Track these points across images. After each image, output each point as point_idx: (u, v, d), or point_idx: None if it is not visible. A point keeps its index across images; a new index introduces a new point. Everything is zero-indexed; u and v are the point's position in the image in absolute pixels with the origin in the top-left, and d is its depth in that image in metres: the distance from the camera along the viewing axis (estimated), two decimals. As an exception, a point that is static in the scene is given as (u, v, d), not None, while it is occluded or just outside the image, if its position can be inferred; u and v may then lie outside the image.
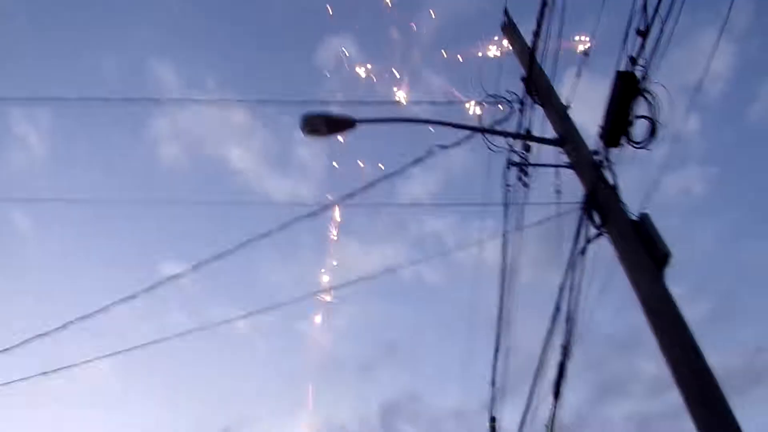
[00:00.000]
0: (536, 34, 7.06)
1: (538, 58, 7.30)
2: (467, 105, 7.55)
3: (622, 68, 5.28)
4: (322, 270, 12.45)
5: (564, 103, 6.88)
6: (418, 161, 7.04)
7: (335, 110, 7.32)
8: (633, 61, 5.19)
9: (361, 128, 7.11)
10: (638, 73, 5.25)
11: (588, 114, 6.78)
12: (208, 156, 33.14)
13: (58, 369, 7.64)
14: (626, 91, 5.30)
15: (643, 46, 5.07)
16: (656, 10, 4.92)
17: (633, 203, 5.89)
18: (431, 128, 7.08)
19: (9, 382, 7.48)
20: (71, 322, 7.15)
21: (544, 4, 6.75)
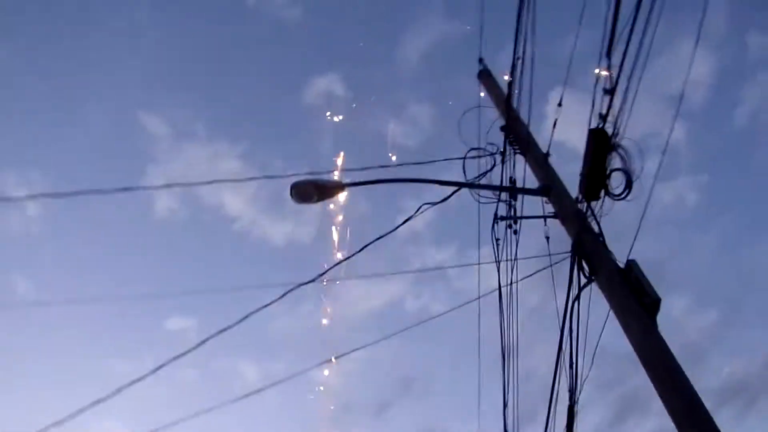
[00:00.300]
0: (510, 85, 7.30)
1: (516, 106, 7.53)
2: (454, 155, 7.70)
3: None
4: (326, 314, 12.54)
5: (543, 151, 7.07)
6: (408, 220, 7.19)
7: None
8: (603, 118, 5.38)
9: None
10: (609, 130, 5.43)
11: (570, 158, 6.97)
12: (204, 205, 33.30)
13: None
14: (599, 147, 5.48)
15: (610, 105, 5.26)
16: (620, 69, 5.14)
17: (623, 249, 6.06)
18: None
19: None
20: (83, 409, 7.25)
21: (515, 58, 6.98)
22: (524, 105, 7.33)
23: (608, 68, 5.18)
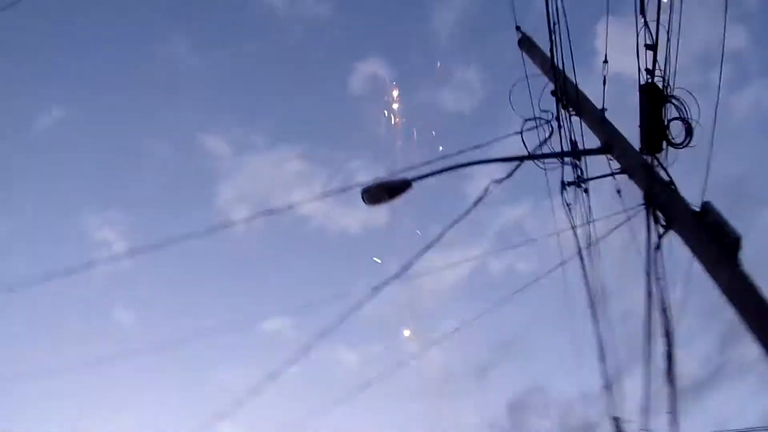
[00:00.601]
0: (551, 50, 7.33)
1: (562, 68, 7.55)
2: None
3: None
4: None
5: (599, 108, 7.10)
6: (478, 201, 7.36)
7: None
8: (650, 73, 5.43)
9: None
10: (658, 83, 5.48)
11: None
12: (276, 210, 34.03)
13: None
14: (652, 101, 5.53)
15: (655, 59, 5.31)
16: (657, 26, 5.17)
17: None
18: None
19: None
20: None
21: (551, 23, 7.01)
22: (572, 64, 7.35)
23: (645, 24, 5.22)
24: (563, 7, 6.82)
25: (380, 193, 7.52)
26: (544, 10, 6.77)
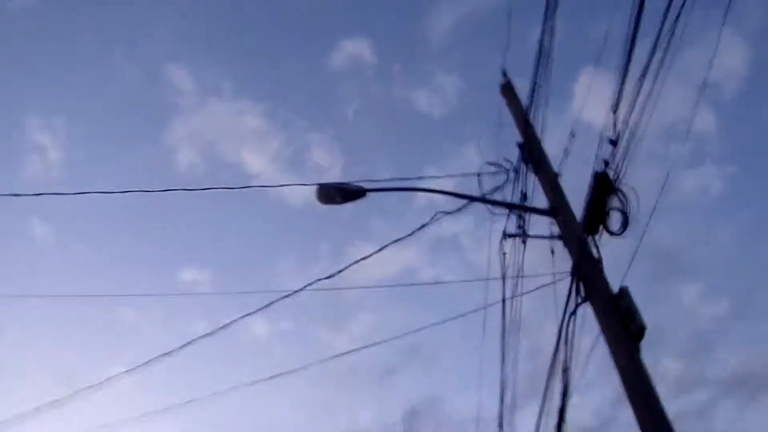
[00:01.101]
0: (528, 109, 7.80)
1: (534, 124, 8.04)
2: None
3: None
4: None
5: (555, 171, 7.60)
6: (423, 227, 7.79)
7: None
8: (606, 163, 5.92)
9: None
10: (611, 173, 5.98)
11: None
12: (224, 161, 33.92)
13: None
14: (601, 188, 6.03)
15: (613, 154, 5.80)
16: (624, 125, 5.66)
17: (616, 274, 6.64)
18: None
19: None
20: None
21: (534, 84, 7.47)
22: (547, 116, 7.84)
23: (613, 121, 5.70)
24: (547, 71, 7.30)
25: (335, 194, 7.85)
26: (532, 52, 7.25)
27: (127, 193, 8.38)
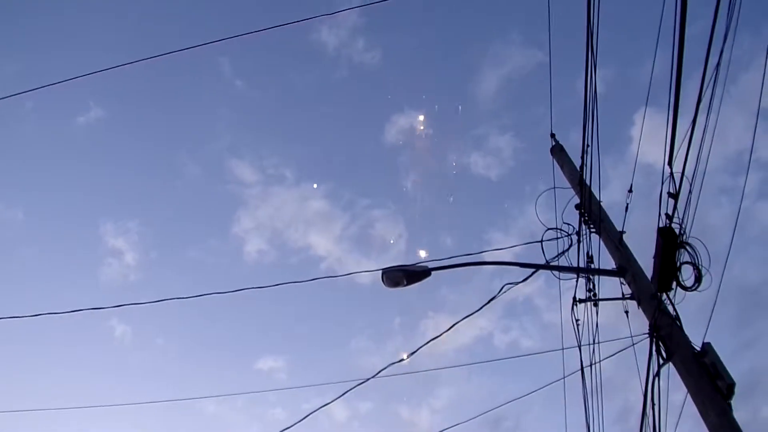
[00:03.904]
0: (582, 168, 7.76)
1: (590, 183, 7.97)
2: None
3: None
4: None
5: (618, 230, 7.48)
6: (492, 299, 7.72)
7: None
8: (669, 218, 5.81)
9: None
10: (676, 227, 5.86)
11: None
12: (292, 247, 34.51)
13: None
14: (668, 243, 5.90)
15: (675, 207, 5.70)
16: (682, 175, 5.58)
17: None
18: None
19: None
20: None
21: (584, 145, 7.45)
22: (599, 184, 7.78)
23: (671, 174, 5.62)
24: (597, 129, 7.28)
25: (400, 276, 7.89)
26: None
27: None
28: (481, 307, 7.75)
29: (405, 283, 7.90)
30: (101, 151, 34.65)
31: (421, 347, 7.98)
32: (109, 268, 33.44)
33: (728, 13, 5.00)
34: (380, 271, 7.96)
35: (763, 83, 5.54)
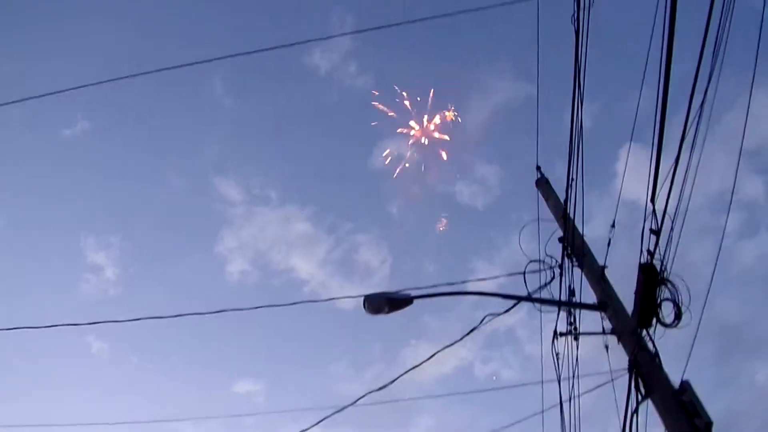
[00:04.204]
0: (566, 201, 7.79)
1: (573, 216, 8.00)
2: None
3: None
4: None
5: (600, 264, 7.51)
6: (473, 330, 7.69)
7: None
8: (651, 255, 5.84)
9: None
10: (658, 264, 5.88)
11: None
12: (274, 269, 34.42)
13: None
14: (649, 280, 5.93)
15: (657, 244, 5.73)
16: (664, 213, 5.62)
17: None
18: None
19: None
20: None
21: (569, 179, 7.49)
22: (582, 218, 7.80)
23: (654, 211, 5.65)
24: (582, 164, 7.33)
25: (382, 303, 7.85)
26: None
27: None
28: (461, 338, 7.72)
29: (387, 310, 7.85)
30: (86, 163, 34.58)
31: (400, 376, 7.91)
32: (88, 283, 33.21)
33: (713, 53, 5.08)
34: (362, 297, 7.92)
35: (746, 123, 5.65)
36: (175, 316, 8.82)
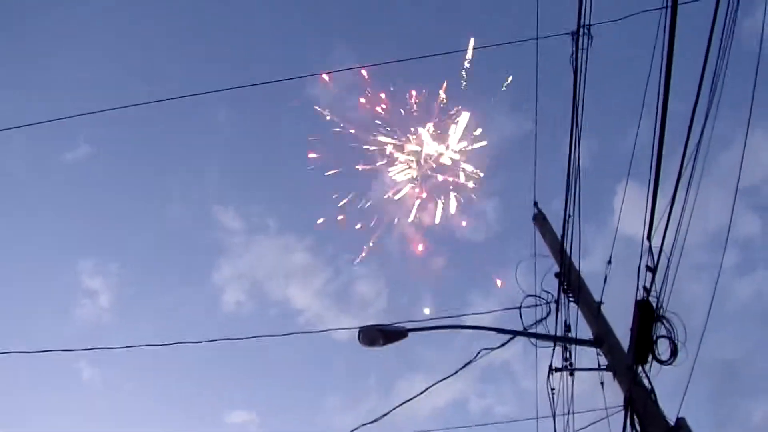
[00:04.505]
0: (563, 237, 7.82)
1: (570, 252, 8.01)
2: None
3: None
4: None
5: (596, 300, 7.51)
6: (468, 364, 7.67)
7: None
8: (647, 291, 5.84)
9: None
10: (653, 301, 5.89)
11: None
12: (271, 299, 34.30)
13: None
14: (645, 316, 5.93)
15: (653, 281, 5.74)
16: (660, 250, 5.64)
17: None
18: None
19: None
20: None
21: (566, 215, 7.52)
22: (579, 254, 7.82)
23: (650, 248, 5.67)
24: (579, 200, 7.36)
25: (377, 336, 7.83)
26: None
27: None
28: (456, 371, 7.68)
29: (382, 342, 7.83)
30: (87, 188, 34.63)
31: (394, 408, 7.87)
32: (83, 308, 32.98)
33: (710, 92, 5.14)
34: (357, 329, 7.90)
35: (742, 161, 5.70)
36: (170, 344, 8.77)
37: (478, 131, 30.03)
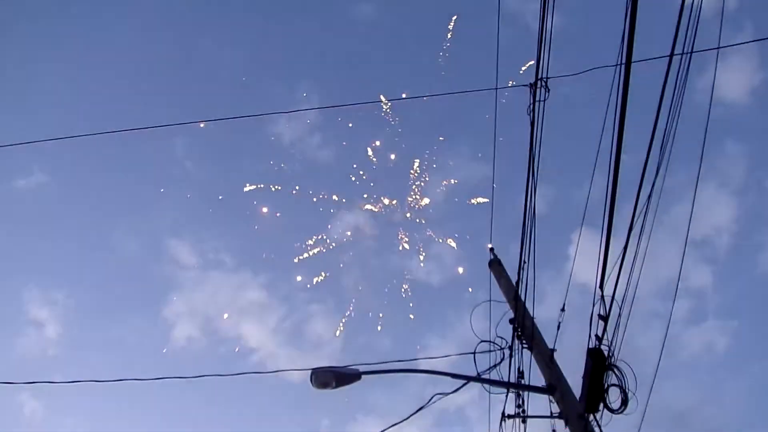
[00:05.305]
0: (517, 284, 7.89)
1: (525, 299, 8.08)
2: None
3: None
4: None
5: (549, 347, 7.55)
6: (421, 408, 7.62)
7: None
8: (599, 340, 5.92)
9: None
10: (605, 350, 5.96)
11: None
12: (223, 336, 33.71)
13: None
14: (596, 365, 5.99)
15: (605, 329, 5.82)
16: (612, 299, 5.73)
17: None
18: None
19: None
20: None
21: (521, 261, 7.60)
22: (533, 301, 7.88)
23: (602, 297, 5.76)
24: (535, 247, 7.45)
25: (329, 378, 7.74)
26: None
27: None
28: (410, 416, 7.62)
29: (334, 385, 7.74)
30: (38, 216, 33.87)
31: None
32: (28, 338, 32.02)
33: (661, 147, 5.29)
34: (310, 371, 7.80)
35: (692, 214, 5.86)
36: (116, 380, 8.54)
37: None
